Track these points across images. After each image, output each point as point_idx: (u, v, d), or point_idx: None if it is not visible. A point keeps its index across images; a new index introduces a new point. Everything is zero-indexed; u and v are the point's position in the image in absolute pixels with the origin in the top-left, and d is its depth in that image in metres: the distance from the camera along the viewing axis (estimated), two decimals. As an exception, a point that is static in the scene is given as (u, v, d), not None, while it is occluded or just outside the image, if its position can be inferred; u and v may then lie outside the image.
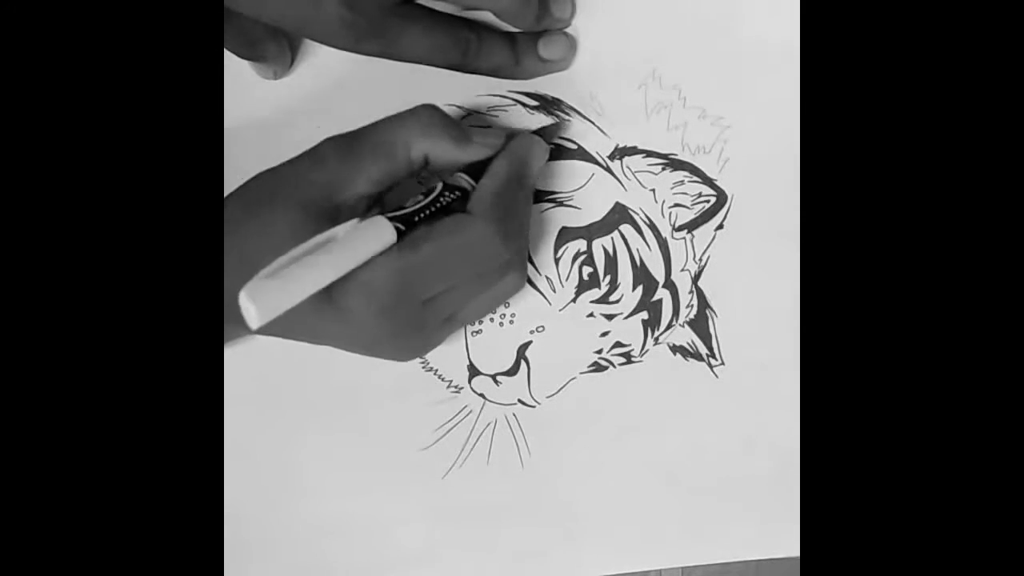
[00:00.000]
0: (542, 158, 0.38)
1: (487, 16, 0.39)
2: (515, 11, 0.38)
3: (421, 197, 0.35)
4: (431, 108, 0.36)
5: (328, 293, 0.32)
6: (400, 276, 0.33)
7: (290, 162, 0.36)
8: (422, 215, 0.34)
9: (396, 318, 0.34)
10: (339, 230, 0.32)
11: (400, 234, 0.33)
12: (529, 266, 0.42)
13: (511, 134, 0.38)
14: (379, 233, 0.32)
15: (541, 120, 0.42)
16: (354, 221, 0.32)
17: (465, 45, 0.38)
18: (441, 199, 0.35)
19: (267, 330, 0.33)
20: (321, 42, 0.37)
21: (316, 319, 0.33)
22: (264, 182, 0.36)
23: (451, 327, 0.38)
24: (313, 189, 0.34)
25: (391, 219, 0.33)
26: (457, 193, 0.35)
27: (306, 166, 0.35)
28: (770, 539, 0.43)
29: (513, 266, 0.36)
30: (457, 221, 0.34)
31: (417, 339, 0.36)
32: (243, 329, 0.36)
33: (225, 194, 0.36)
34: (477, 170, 0.36)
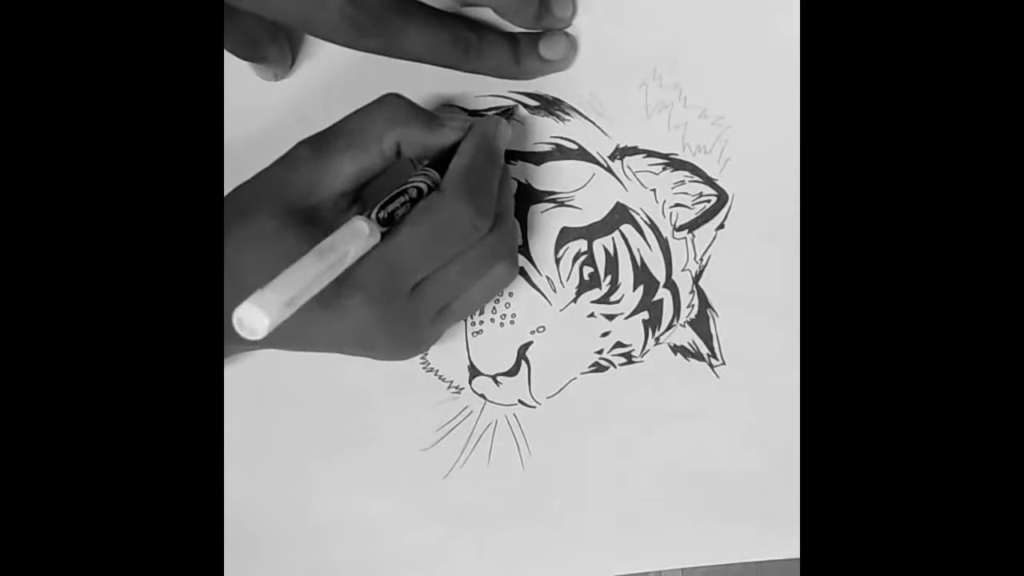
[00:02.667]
0: (506, 135, 0.39)
1: (488, 16, 0.39)
2: (515, 8, 0.38)
3: (393, 193, 0.35)
4: (397, 97, 0.36)
5: (318, 297, 0.32)
6: (384, 264, 0.33)
7: (264, 170, 0.36)
8: (401, 209, 0.34)
9: (387, 310, 0.34)
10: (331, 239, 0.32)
11: (386, 231, 0.33)
12: (529, 266, 0.42)
13: (476, 118, 0.39)
14: (362, 232, 0.33)
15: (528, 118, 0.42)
16: (339, 229, 0.32)
17: (465, 44, 0.38)
18: (410, 191, 0.35)
19: (268, 342, 0.33)
20: (322, 38, 0.37)
21: (311, 325, 0.33)
22: (240, 193, 0.36)
23: (445, 320, 0.38)
24: (290, 192, 0.35)
25: (377, 216, 0.33)
26: (428, 184, 0.36)
27: (280, 171, 0.35)
28: (770, 540, 0.43)
29: (500, 253, 0.37)
30: (429, 200, 0.35)
31: (411, 333, 0.36)
32: (237, 345, 0.36)
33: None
34: (446, 162, 0.37)
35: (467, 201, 0.35)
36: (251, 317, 0.29)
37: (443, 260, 0.35)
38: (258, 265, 0.33)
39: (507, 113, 0.42)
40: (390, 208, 0.34)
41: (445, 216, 0.34)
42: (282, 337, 0.31)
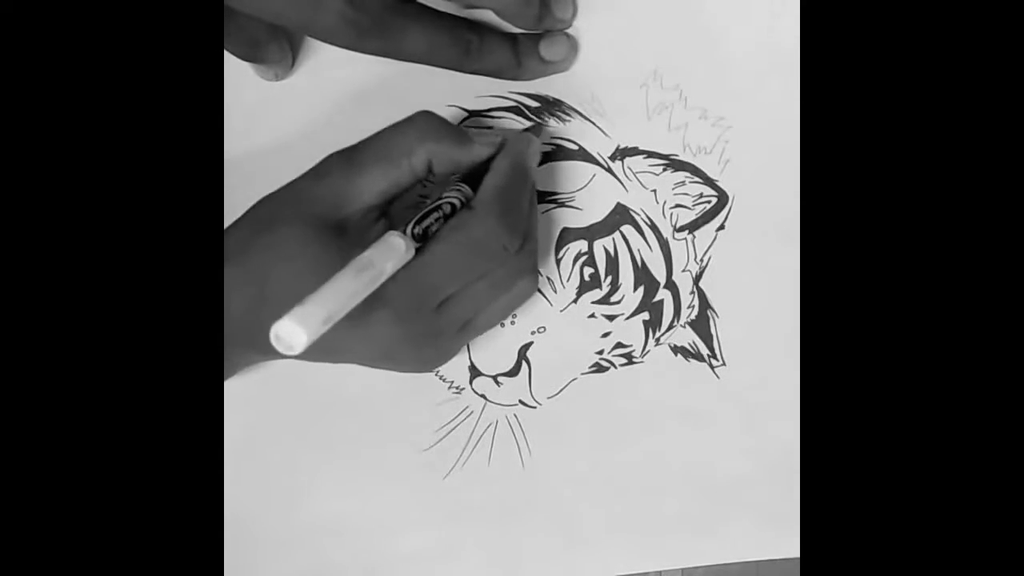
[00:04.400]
0: (537, 154, 0.39)
1: (489, 17, 0.39)
2: (516, 10, 0.38)
3: (426, 210, 0.35)
4: (428, 114, 0.36)
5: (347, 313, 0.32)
6: (414, 282, 0.34)
7: (294, 180, 0.36)
8: (433, 224, 0.34)
9: (413, 326, 0.35)
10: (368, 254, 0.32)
11: (418, 246, 0.33)
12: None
13: (507, 134, 0.39)
14: (399, 248, 0.33)
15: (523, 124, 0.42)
16: (375, 244, 0.32)
17: (466, 44, 0.38)
18: (443, 207, 0.35)
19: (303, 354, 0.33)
20: (322, 40, 0.37)
21: (338, 339, 0.33)
22: (267, 204, 0.36)
23: (467, 335, 0.38)
24: (318, 204, 0.35)
25: (411, 232, 0.33)
26: (461, 200, 0.36)
27: (310, 182, 0.36)
28: (770, 540, 0.43)
29: (525, 270, 0.37)
30: (461, 218, 0.35)
31: (434, 348, 0.37)
32: (261, 355, 0.36)
33: (226, 195, 0.36)
34: (476, 177, 0.36)
35: (499, 221, 0.35)
36: (289, 333, 0.29)
37: (471, 278, 0.35)
38: (286, 276, 0.33)
39: (535, 129, 0.42)
40: (424, 224, 0.34)
41: (477, 235, 0.34)
42: (308, 351, 0.31)
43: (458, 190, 0.36)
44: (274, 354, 0.37)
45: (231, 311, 0.34)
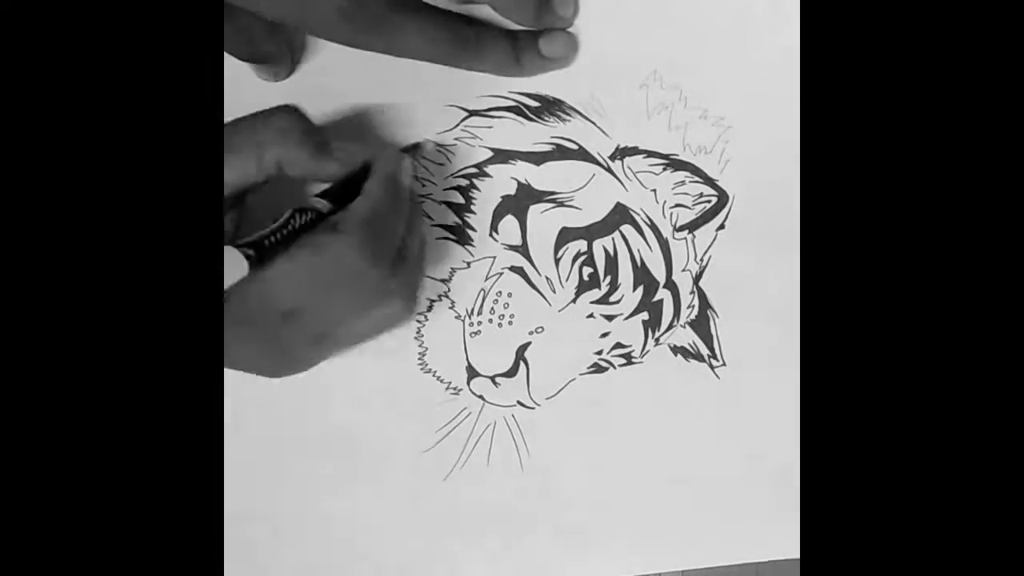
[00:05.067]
0: (408, 174, 0.38)
1: (488, 14, 0.39)
2: (513, 5, 0.38)
3: (271, 222, 0.34)
4: (291, 111, 0.35)
5: None
6: (251, 288, 0.33)
7: None
8: (273, 239, 0.33)
9: (255, 331, 0.34)
10: None
11: (251, 260, 0.32)
12: (529, 266, 0.42)
13: (378, 150, 0.38)
14: (227, 265, 0.32)
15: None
16: None
17: (464, 41, 0.38)
18: (292, 222, 0.34)
19: None
20: (321, 36, 0.37)
21: None
22: None
23: (324, 347, 0.37)
24: None
25: (240, 245, 0.32)
26: (311, 215, 0.34)
27: None
28: (770, 541, 0.43)
29: (395, 293, 0.36)
30: (319, 237, 0.33)
31: (280, 355, 0.36)
32: None
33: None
34: (340, 192, 0.35)
35: (363, 246, 0.34)
36: None
37: (324, 296, 0.34)
38: None
39: (413, 149, 0.41)
40: (254, 238, 0.33)
41: (333, 256, 0.33)
42: None
43: (314, 204, 0.35)
44: None
45: None
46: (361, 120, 0.41)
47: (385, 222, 0.35)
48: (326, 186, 0.36)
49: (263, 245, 0.33)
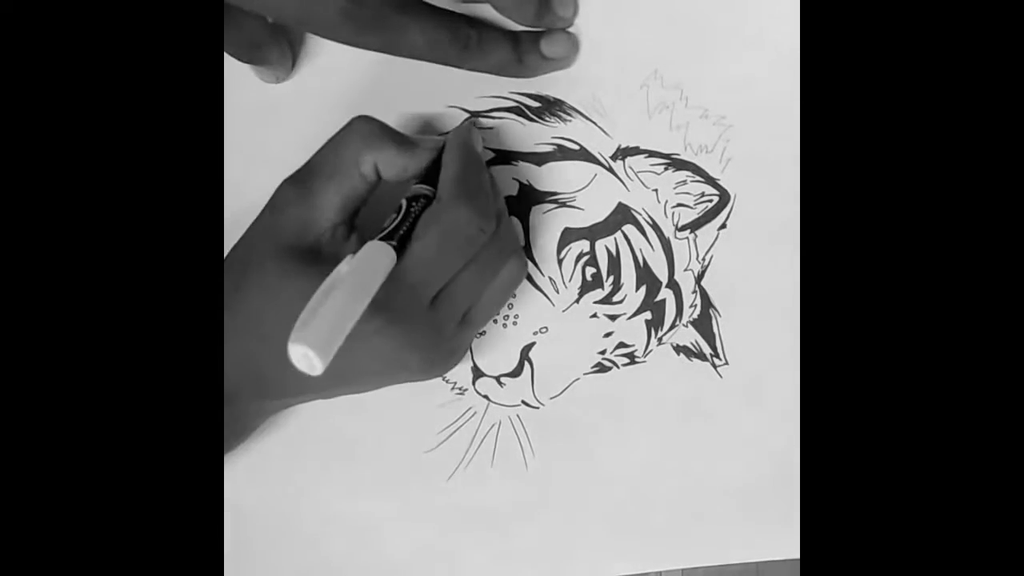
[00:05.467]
0: (479, 140, 0.39)
1: (489, 14, 0.39)
2: (514, 5, 0.38)
3: (394, 216, 0.35)
4: (367, 119, 0.36)
5: None
6: (400, 283, 0.33)
7: (255, 220, 0.36)
8: (404, 227, 0.34)
9: (410, 328, 0.35)
10: (341, 267, 0.32)
11: (397, 251, 0.33)
12: (532, 267, 0.42)
13: (450, 128, 0.39)
14: (379, 256, 0.33)
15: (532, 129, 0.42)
16: (349, 257, 0.32)
17: (466, 41, 0.38)
18: (412, 210, 0.35)
19: (314, 389, 0.34)
20: (322, 35, 0.37)
21: (348, 359, 0.32)
22: (238, 249, 0.36)
23: (469, 328, 0.38)
24: (284, 236, 0.35)
25: (381, 240, 0.33)
26: (422, 201, 0.35)
27: (269, 217, 0.36)
28: (770, 540, 0.42)
29: (507, 250, 0.37)
30: (431, 212, 0.35)
31: (439, 346, 0.36)
32: (273, 400, 0.37)
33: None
34: (430, 180, 0.36)
35: (468, 206, 0.35)
36: (300, 356, 0.29)
37: (455, 268, 0.35)
38: (276, 314, 0.33)
39: (473, 120, 0.42)
40: (390, 228, 0.34)
41: (450, 224, 0.34)
42: (326, 379, 0.31)
43: (419, 190, 0.36)
44: (289, 397, 0.37)
45: (232, 362, 0.34)
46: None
47: (473, 181, 0.36)
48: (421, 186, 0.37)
49: (399, 234, 0.34)
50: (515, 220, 0.42)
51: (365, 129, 0.36)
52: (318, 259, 0.35)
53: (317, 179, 0.36)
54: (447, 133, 0.40)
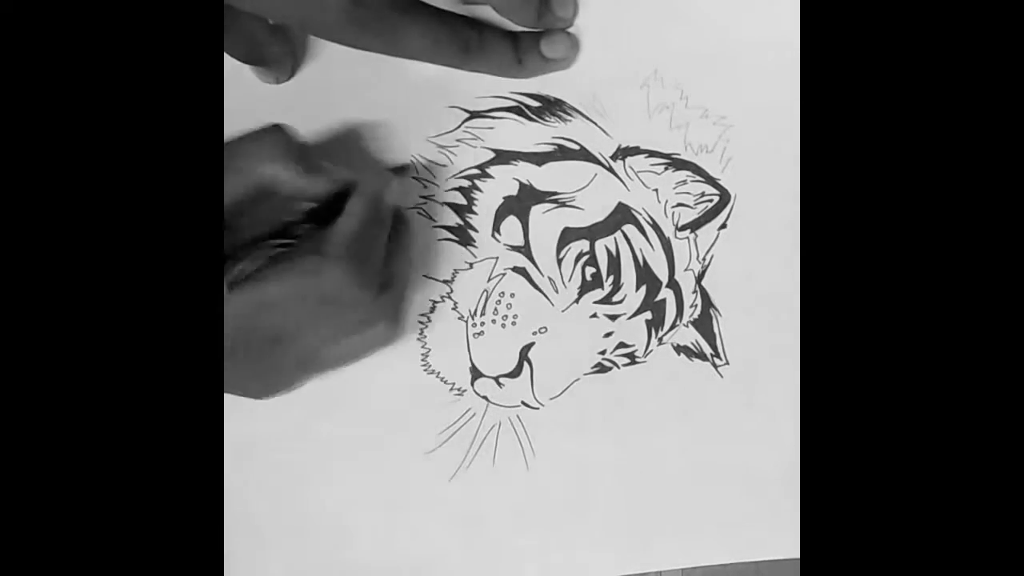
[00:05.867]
0: (400, 194, 0.37)
1: (490, 15, 0.39)
2: (514, 7, 0.38)
3: (258, 250, 0.34)
4: (280, 130, 0.35)
5: None
6: (244, 313, 0.33)
7: None
8: (252, 269, 0.33)
9: (246, 355, 0.34)
10: None
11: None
12: (531, 267, 0.42)
13: (364, 170, 0.37)
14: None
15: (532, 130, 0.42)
16: None
17: (466, 42, 0.38)
18: (271, 250, 0.34)
19: None
20: (323, 37, 0.37)
21: None
22: None
23: (309, 370, 0.37)
24: None
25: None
26: (291, 242, 0.35)
27: None
28: (770, 540, 0.42)
29: (381, 316, 0.36)
30: (308, 263, 0.33)
31: (266, 379, 0.36)
32: None
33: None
34: (327, 212, 0.36)
35: (348, 271, 0.34)
36: None
37: (313, 321, 0.34)
38: None
39: (401, 170, 0.41)
40: (236, 269, 0.33)
41: (323, 281, 0.33)
42: None
43: (299, 228, 0.35)
44: None
45: None
46: (356, 133, 0.41)
47: (367, 243, 0.35)
48: (311, 206, 0.36)
49: (242, 276, 0.33)
50: (408, 283, 0.40)
51: (275, 139, 0.35)
52: None
53: None
54: (354, 170, 0.37)
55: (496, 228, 0.42)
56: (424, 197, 0.42)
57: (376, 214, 0.36)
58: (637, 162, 0.42)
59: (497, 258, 0.42)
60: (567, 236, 0.42)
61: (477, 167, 0.42)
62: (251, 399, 0.37)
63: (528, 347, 0.42)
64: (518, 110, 0.42)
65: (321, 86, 0.42)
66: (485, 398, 0.43)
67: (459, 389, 0.43)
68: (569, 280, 0.42)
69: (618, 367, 0.43)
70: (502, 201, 0.42)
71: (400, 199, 0.37)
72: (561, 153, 0.42)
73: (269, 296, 0.33)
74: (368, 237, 0.35)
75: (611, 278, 0.42)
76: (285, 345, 0.35)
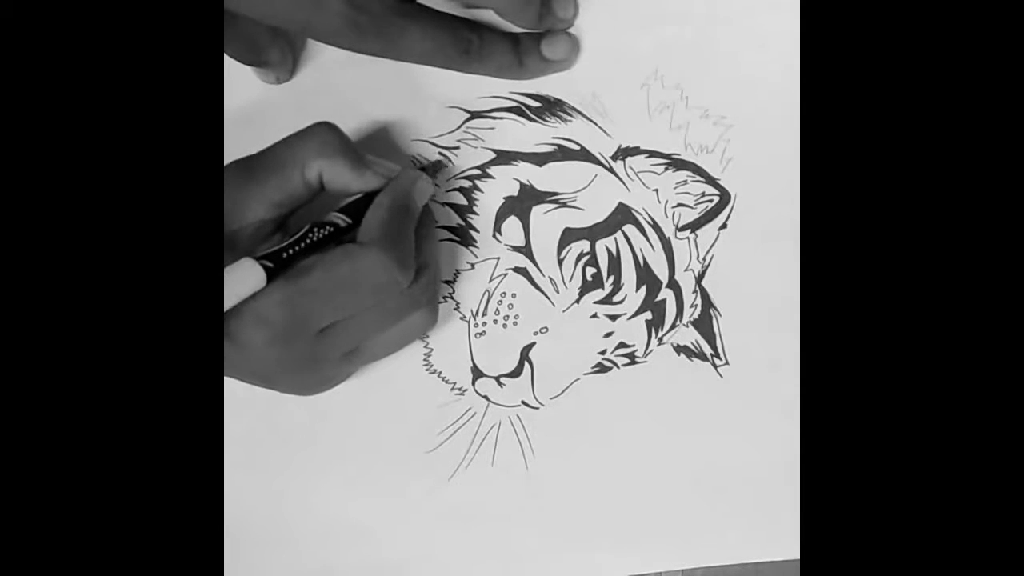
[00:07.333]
0: (426, 192, 0.38)
1: (490, 17, 0.39)
2: (516, 9, 0.38)
3: (290, 237, 0.35)
4: (328, 127, 0.36)
5: (224, 325, 0.32)
6: (290, 305, 0.33)
7: None
8: (292, 251, 0.34)
9: (290, 348, 0.34)
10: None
11: (270, 272, 0.33)
12: (532, 267, 0.42)
13: (404, 167, 0.38)
14: (246, 275, 0.32)
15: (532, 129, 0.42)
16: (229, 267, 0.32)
17: (467, 45, 0.38)
18: (311, 235, 0.35)
19: None
20: (323, 41, 0.37)
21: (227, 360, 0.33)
22: None
23: (355, 362, 0.37)
24: None
25: (260, 258, 0.33)
26: (329, 229, 0.35)
27: None
28: (770, 540, 0.42)
29: (420, 303, 0.36)
30: (346, 250, 0.34)
31: (314, 372, 0.36)
32: None
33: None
34: (359, 209, 0.36)
35: (387, 256, 0.34)
36: None
37: (355, 310, 0.35)
38: None
39: (433, 167, 0.41)
40: (275, 249, 0.34)
41: (362, 267, 0.34)
42: None
43: (332, 219, 0.35)
44: None
45: None
46: (356, 134, 0.41)
47: (398, 231, 0.36)
48: (347, 201, 0.37)
49: (281, 257, 0.34)
50: (439, 272, 0.40)
51: (324, 136, 0.36)
52: (233, 248, 0.34)
53: (260, 170, 0.35)
54: (398, 166, 0.39)
55: (497, 229, 0.42)
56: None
57: (400, 207, 0.36)
58: (637, 162, 0.42)
59: (498, 258, 0.42)
60: (568, 236, 0.42)
61: (478, 168, 0.42)
62: (298, 396, 0.38)
63: (529, 347, 0.43)
64: (518, 110, 0.42)
65: (321, 86, 0.42)
66: (486, 398, 0.43)
67: (460, 389, 0.43)
68: (570, 280, 0.42)
69: (618, 367, 0.43)
70: (503, 201, 0.42)
71: (426, 195, 0.38)
72: (561, 153, 0.42)
73: (310, 285, 0.33)
74: (397, 224, 0.36)
75: (611, 278, 0.42)
76: (330, 337, 0.35)
